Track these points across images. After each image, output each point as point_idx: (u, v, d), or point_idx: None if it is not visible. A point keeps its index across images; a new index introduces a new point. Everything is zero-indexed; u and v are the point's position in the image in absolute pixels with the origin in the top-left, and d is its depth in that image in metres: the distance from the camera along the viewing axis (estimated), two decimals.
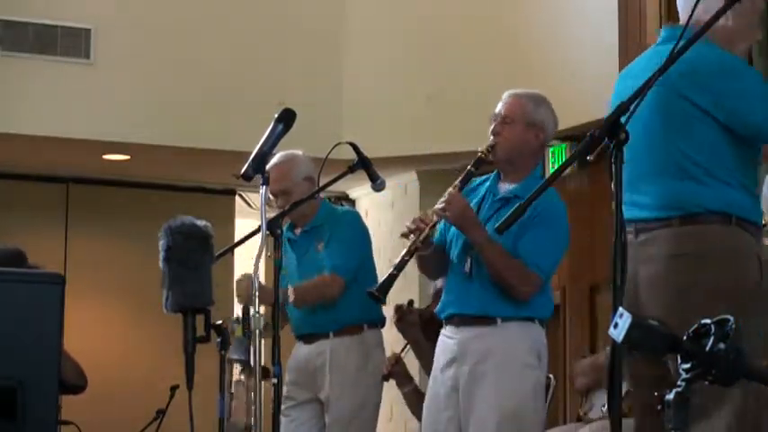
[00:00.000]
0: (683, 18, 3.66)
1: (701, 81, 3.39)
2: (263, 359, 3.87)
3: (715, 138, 3.45)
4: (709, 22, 3.20)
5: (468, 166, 4.51)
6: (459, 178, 4.50)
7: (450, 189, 4.47)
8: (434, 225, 4.48)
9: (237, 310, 5.26)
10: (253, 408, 3.82)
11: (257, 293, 3.94)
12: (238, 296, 5.14)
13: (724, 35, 3.52)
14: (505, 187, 4.57)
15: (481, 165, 4.53)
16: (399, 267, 4.47)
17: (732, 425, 3.37)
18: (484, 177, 4.64)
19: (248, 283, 4.88)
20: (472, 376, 4.49)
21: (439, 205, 4.45)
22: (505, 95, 4.61)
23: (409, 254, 4.46)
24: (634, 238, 3.53)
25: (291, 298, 5.19)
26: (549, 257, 4.49)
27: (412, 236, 4.46)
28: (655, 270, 3.47)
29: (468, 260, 4.51)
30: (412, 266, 4.63)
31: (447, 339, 4.60)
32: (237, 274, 7.64)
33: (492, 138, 4.53)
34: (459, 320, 4.55)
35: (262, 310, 3.99)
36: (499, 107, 4.57)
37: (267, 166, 5.29)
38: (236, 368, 5.35)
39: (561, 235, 4.53)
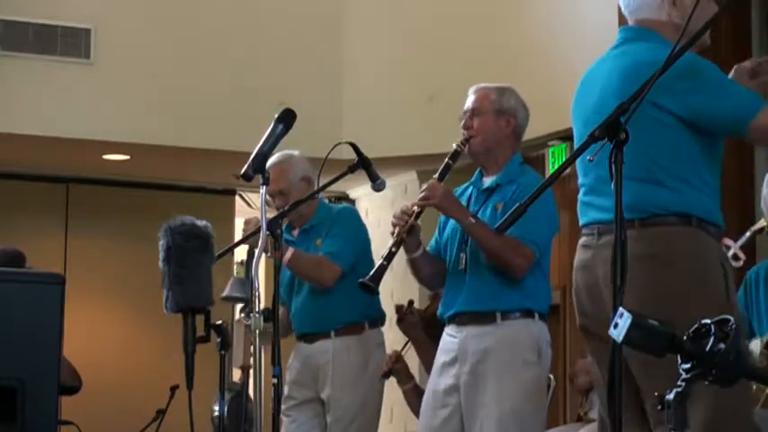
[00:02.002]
0: (629, 19, 3.66)
1: (659, 82, 3.39)
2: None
3: (678, 138, 3.43)
4: (703, 29, 3.20)
5: (447, 159, 4.61)
6: (439, 170, 4.60)
7: (431, 180, 4.57)
8: (418, 215, 4.55)
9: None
10: (254, 404, 3.82)
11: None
12: (244, 232, 5.12)
13: (673, 30, 3.51)
14: (489, 179, 4.66)
15: (458, 157, 4.63)
16: (388, 258, 4.54)
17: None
18: (465, 184, 4.73)
19: (256, 221, 4.87)
20: (473, 375, 4.51)
21: (420, 195, 4.54)
22: (470, 91, 4.71)
23: (396, 245, 4.53)
24: (596, 240, 3.52)
25: (288, 256, 5.15)
26: (540, 231, 4.53)
27: (398, 228, 4.53)
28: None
29: (463, 257, 4.57)
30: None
31: (449, 338, 4.63)
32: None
33: (465, 131, 4.62)
34: (461, 319, 4.58)
35: (262, 293, 3.97)
36: (466, 103, 4.67)
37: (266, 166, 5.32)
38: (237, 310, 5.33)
39: (548, 210, 4.58)
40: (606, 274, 3.45)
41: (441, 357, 4.64)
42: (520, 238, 4.46)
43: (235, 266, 4.92)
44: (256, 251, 3.89)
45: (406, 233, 4.53)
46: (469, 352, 4.53)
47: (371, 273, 4.56)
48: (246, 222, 5.15)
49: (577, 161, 3.55)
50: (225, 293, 5.07)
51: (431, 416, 4.62)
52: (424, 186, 4.55)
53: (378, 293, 4.66)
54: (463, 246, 4.58)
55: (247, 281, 3.86)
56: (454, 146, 4.62)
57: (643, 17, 3.58)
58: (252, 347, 3.85)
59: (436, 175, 4.59)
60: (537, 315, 4.57)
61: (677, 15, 3.52)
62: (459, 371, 4.55)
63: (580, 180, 3.65)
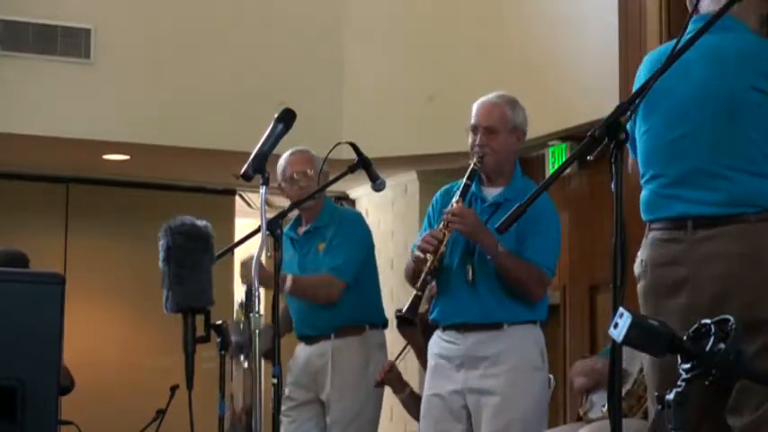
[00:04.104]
0: (690, 7, 3.62)
1: (763, 68, 3.36)
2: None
3: None
4: (720, 12, 3.18)
5: (465, 180, 4.58)
6: (459, 192, 4.56)
7: (454, 203, 4.52)
8: (446, 241, 4.50)
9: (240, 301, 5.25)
10: (253, 404, 3.82)
11: (258, 274, 3.92)
12: (242, 276, 5.12)
13: (740, 11, 3.49)
14: (493, 191, 4.66)
15: (475, 176, 4.61)
16: (422, 288, 4.51)
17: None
18: (457, 184, 4.69)
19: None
20: (481, 380, 4.54)
21: (449, 220, 4.48)
22: (481, 105, 4.67)
23: (430, 273, 4.49)
24: (689, 234, 3.46)
25: (289, 285, 5.16)
26: (554, 256, 4.61)
27: (429, 255, 4.48)
28: (728, 268, 3.40)
29: (470, 269, 4.56)
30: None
31: (448, 344, 4.62)
32: (237, 274, 7.56)
33: (479, 149, 4.59)
34: (465, 327, 4.58)
35: (262, 294, 3.98)
36: (478, 118, 4.63)
37: (289, 151, 5.36)
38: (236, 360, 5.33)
39: (558, 232, 4.65)
40: (719, 275, 3.38)
41: (441, 362, 4.63)
42: (539, 266, 4.52)
43: (235, 308, 4.90)
44: (253, 293, 3.90)
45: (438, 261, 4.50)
46: (478, 356, 4.55)
47: (408, 305, 4.50)
48: (244, 263, 5.11)
49: (656, 150, 3.51)
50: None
51: (437, 423, 4.63)
52: (451, 209, 4.49)
53: (416, 324, 4.64)
54: (469, 258, 4.57)
55: (245, 325, 3.87)
56: (471, 165, 4.59)
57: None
58: (253, 351, 3.84)
59: (457, 197, 4.54)
60: (538, 323, 4.64)
61: (759, 3, 3.49)
62: (465, 376, 4.56)
63: (654, 171, 3.57)
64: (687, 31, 3.54)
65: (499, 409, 4.49)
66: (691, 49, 3.59)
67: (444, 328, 4.64)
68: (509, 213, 3.03)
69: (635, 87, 3.63)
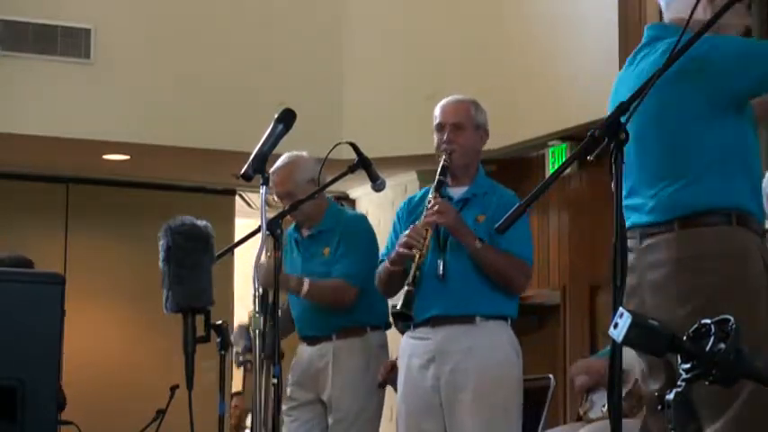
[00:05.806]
0: (665, 16, 3.64)
1: (696, 72, 3.36)
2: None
3: (715, 128, 3.40)
4: (711, 21, 3.18)
5: (438, 176, 4.67)
6: (434, 188, 4.66)
7: (431, 199, 4.60)
8: (429, 236, 4.57)
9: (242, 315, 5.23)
10: (255, 404, 3.82)
11: (269, 275, 3.91)
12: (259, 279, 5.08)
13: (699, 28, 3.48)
14: (459, 190, 4.74)
15: (447, 172, 4.71)
16: (414, 283, 4.54)
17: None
18: (420, 193, 4.84)
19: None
20: (454, 375, 4.57)
21: (430, 217, 4.55)
22: (446, 104, 4.82)
23: (419, 268, 4.55)
24: (637, 242, 3.49)
25: (305, 289, 5.17)
26: (530, 247, 4.70)
27: (415, 250, 4.54)
28: (660, 275, 3.43)
29: (441, 263, 4.60)
30: None
31: (419, 341, 4.67)
32: (237, 274, 7.57)
33: (447, 145, 4.69)
34: (436, 321, 4.62)
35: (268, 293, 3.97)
36: (444, 116, 4.76)
37: (272, 169, 5.32)
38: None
39: (528, 225, 4.79)
40: (654, 281, 3.42)
41: (414, 362, 4.67)
42: (519, 256, 4.60)
43: (237, 311, 4.87)
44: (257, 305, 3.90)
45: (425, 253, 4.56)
46: (451, 351, 4.59)
47: (402, 301, 4.55)
48: (260, 265, 5.06)
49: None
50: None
51: (415, 421, 4.66)
52: (432, 205, 4.57)
53: (412, 319, 4.65)
54: (440, 253, 4.62)
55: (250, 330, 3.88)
56: (442, 162, 4.68)
57: (676, 15, 3.54)
58: (253, 350, 3.85)
59: (433, 193, 4.63)
60: (509, 320, 4.68)
61: (710, 13, 3.48)
62: (438, 371, 4.60)
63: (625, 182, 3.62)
64: (645, 38, 3.58)
65: (473, 405, 4.52)
66: (631, 60, 3.61)
67: (415, 327, 4.67)
68: (508, 214, 3.03)
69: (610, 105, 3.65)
